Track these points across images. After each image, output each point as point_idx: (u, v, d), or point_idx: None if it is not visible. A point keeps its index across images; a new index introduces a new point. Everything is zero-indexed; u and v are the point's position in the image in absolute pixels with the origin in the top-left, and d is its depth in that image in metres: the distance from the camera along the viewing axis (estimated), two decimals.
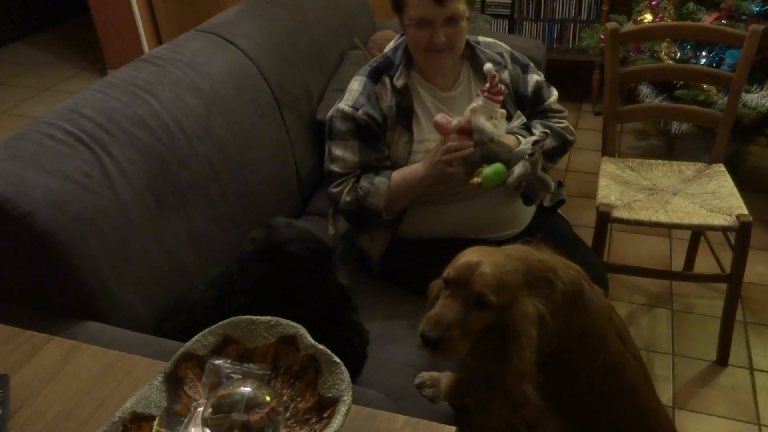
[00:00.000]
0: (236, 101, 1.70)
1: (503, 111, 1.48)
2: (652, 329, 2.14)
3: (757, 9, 2.46)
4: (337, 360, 0.92)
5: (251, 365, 0.94)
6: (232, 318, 0.97)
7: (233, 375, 0.91)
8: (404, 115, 1.58)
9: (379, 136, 1.58)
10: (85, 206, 1.24)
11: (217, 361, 0.92)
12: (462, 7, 1.52)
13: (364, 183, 1.57)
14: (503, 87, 1.47)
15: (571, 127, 1.77)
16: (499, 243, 1.61)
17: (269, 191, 1.78)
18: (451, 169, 1.45)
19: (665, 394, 1.91)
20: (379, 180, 1.56)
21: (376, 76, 1.61)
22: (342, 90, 2.09)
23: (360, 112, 1.56)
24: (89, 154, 1.31)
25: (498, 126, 1.44)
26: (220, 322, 0.97)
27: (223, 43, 1.80)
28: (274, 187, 1.80)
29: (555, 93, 1.77)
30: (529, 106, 1.73)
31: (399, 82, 1.58)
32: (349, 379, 0.90)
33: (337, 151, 1.60)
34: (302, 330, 0.95)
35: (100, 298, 1.25)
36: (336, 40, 2.26)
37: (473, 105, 1.44)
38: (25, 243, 1.19)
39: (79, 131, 1.34)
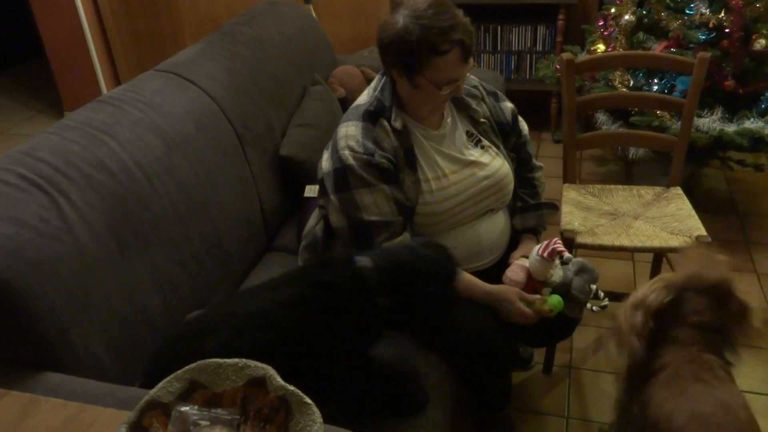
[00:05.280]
0: (198, 140, 1.69)
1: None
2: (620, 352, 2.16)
3: (703, 37, 2.56)
4: (308, 401, 0.90)
5: (219, 410, 0.91)
6: (199, 362, 0.94)
7: (201, 422, 0.88)
8: (408, 155, 1.55)
9: (397, 176, 1.53)
10: (42, 252, 1.20)
11: (184, 408, 0.89)
12: None
13: None
14: (559, 242, 1.54)
15: (543, 177, 1.84)
16: (479, 271, 1.63)
17: (234, 230, 1.76)
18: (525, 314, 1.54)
19: None
20: None
21: (373, 119, 1.54)
22: (305, 125, 2.12)
23: (376, 156, 1.49)
24: (46, 198, 1.28)
25: (555, 267, 1.57)
26: (186, 367, 0.94)
27: (183, 82, 1.79)
28: (238, 225, 1.78)
29: (525, 124, 1.81)
30: (513, 134, 1.76)
31: (397, 124, 1.53)
32: (321, 420, 0.88)
33: (366, 199, 1.48)
34: (271, 371, 0.93)
35: (59, 347, 1.20)
36: (297, 76, 2.27)
37: (536, 265, 1.55)
38: None
39: (34, 175, 1.30)
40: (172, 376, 0.93)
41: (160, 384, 0.92)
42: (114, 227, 1.37)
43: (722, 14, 2.53)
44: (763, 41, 2.49)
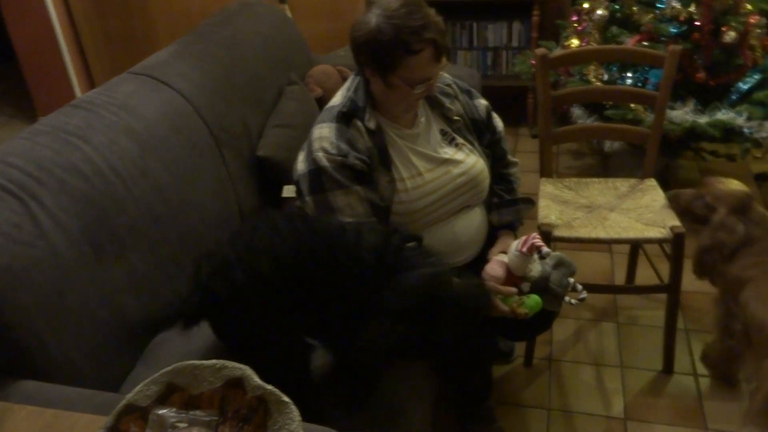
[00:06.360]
0: (173, 142, 1.68)
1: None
2: (599, 343, 2.19)
3: (674, 30, 2.59)
4: (286, 399, 0.90)
5: (197, 412, 0.91)
6: (175, 365, 0.94)
7: (179, 424, 0.88)
8: (383, 155, 1.55)
9: (371, 177, 1.54)
10: (15, 258, 1.19)
11: (161, 411, 0.89)
12: None
13: None
14: (537, 237, 1.53)
15: (519, 173, 1.84)
16: (458, 268, 1.65)
17: (212, 231, 1.75)
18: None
19: (616, 406, 1.95)
20: None
21: (346, 120, 1.54)
22: (281, 126, 2.11)
23: (350, 158, 1.50)
24: (18, 204, 1.26)
25: (534, 262, 1.57)
26: (163, 370, 0.94)
27: (157, 84, 1.78)
28: (217, 226, 1.77)
29: (500, 120, 1.82)
30: (488, 131, 1.76)
31: (371, 124, 1.54)
32: (300, 418, 0.89)
33: (341, 201, 1.50)
34: (249, 371, 0.93)
35: (35, 355, 1.19)
36: (273, 76, 2.26)
37: (515, 260, 1.53)
38: None
39: (6, 181, 1.29)
40: (148, 379, 0.93)
41: (137, 388, 0.92)
42: (89, 231, 1.36)
43: (692, 7, 2.56)
44: (732, 33, 2.53)
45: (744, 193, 1.77)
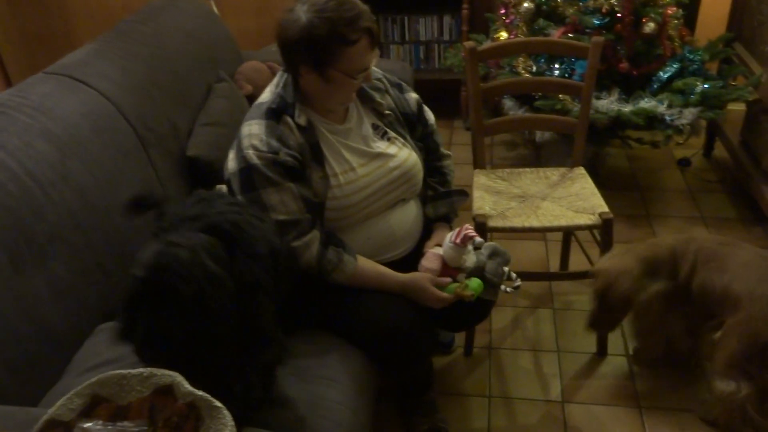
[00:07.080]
0: (95, 144, 1.61)
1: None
2: (536, 329, 2.24)
3: (598, 22, 2.67)
4: (218, 404, 0.88)
5: (126, 423, 0.88)
6: (100, 375, 0.90)
7: None
8: (315, 151, 1.53)
9: (304, 173, 1.51)
10: None
11: (87, 425, 0.86)
12: None
13: (331, 256, 1.51)
14: (470, 228, 1.56)
15: (452, 165, 1.85)
16: (394, 261, 1.65)
17: (142, 235, 1.69)
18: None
19: (554, 390, 1.99)
20: (347, 259, 1.53)
21: (276, 116, 1.51)
22: (211, 124, 2.06)
23: (281, 154, 1.47)
24: None
25: (469, 253, 1.60)
26: (87, 382, 0.90)
27: (76, 84, 1.71)
28: (145, 229, 1.71)
29: (431, 113, 1.83)
30: (420, 124, 1.77)
31: (301, 120, 1.52)
32: (233, 423, 0.87)
33: (273, 198, 1.47)
34: (179, 378, 0.90)
35: None
36: (201, 73, 2.21)
37: (450, 251, 1.57)
38: None
39: None
40: (72, 392, 0.89)
41: (60, 402, 0.88)
42: (5, 240, 1.30)
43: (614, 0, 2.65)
44: (652, 24, 2.63)
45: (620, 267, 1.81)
